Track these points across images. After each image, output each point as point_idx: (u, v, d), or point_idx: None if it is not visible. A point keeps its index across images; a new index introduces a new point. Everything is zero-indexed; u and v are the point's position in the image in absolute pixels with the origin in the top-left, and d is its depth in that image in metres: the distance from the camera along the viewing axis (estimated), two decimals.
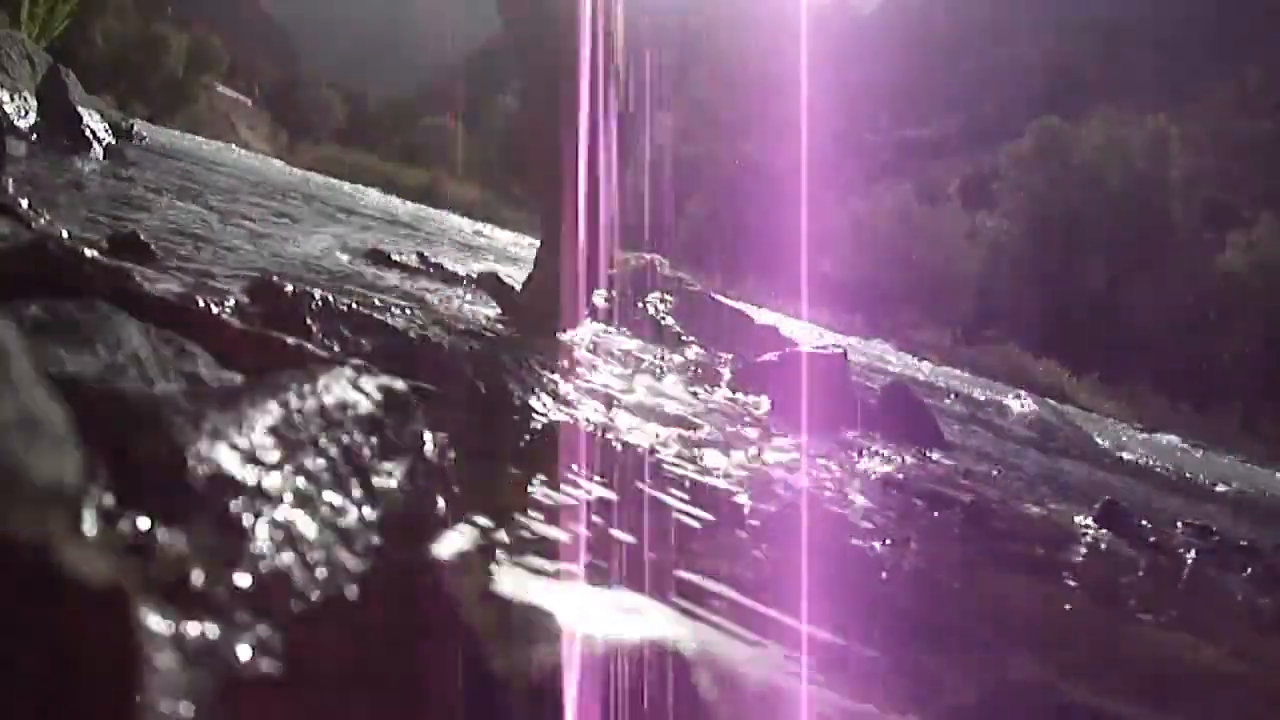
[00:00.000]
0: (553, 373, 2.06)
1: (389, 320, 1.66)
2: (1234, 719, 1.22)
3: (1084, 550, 2.06)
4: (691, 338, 4.27)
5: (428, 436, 0.83)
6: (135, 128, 7.46)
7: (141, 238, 2.30)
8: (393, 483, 0.74)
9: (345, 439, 0.72)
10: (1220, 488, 6.92)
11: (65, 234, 1.95)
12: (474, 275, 4.53)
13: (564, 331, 2.43)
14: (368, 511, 0.68)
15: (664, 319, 4.46)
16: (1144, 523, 2.51)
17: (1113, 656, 1.30)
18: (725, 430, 2.12)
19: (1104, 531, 2.32)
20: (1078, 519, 2.44)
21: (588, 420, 1.74)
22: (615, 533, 1.08)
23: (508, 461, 1.24)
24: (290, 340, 0.95)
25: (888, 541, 1.49)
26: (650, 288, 4.90)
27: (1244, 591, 2.19)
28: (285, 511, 0.60)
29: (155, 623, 0.46)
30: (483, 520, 0.95)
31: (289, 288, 1.56)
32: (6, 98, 4.67)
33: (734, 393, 2.90)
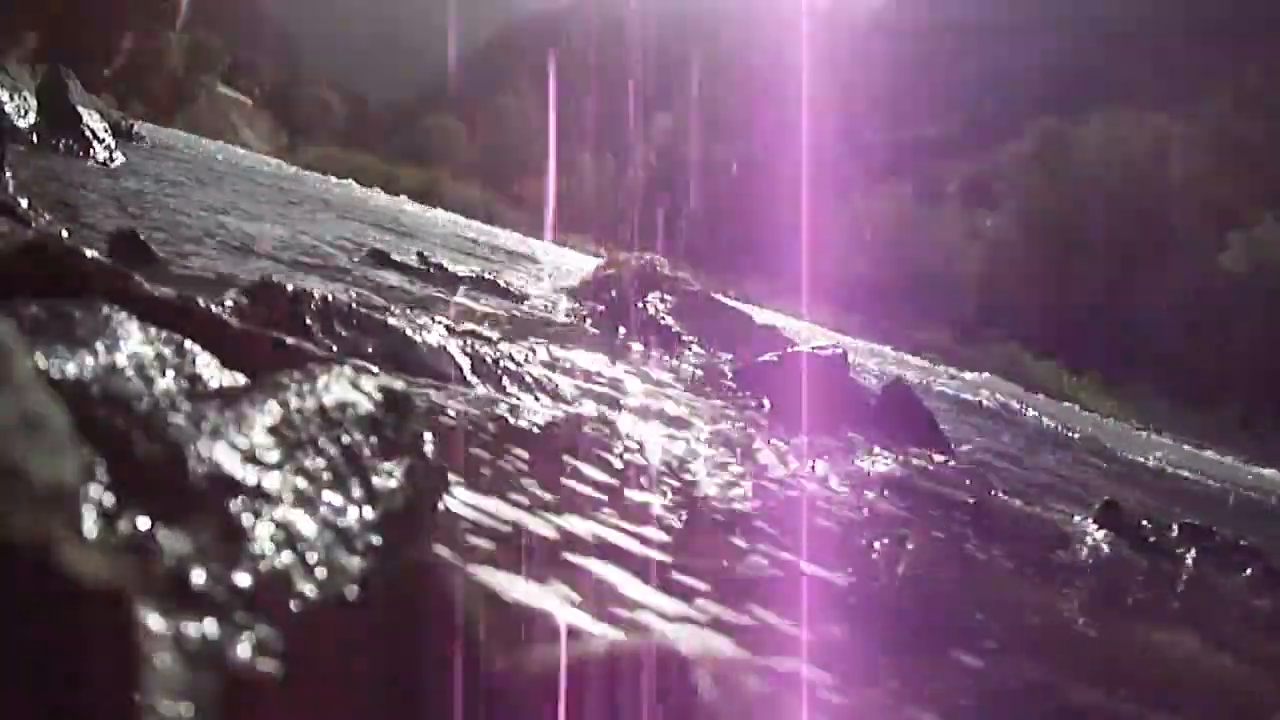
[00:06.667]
0: (553, 371, 2.06)
1: (389, 320, 1.66)
2: (1234, 718, 1.22)
3: (1084, 551, 2.06)
4: (691, 338, 4.27)
5: (428, 436, 0.83)
6: (135, 127, 7.46)
7: (141, 237, 2.30)
8: (393, 483, 0.74)
9: (345, 439, 0.72)
10: (1220, 488, 6.92)
11: (65, 234, 1.95)
12: (474, 275, 4.53)
13: None
14: (368, 511, 0.69)
15: (664, 319, 4.46)
16: (1144, 523, 2.51)
17: (1112, 657, 1.30)
18: (725, 430, 2.12)
19: (1104, 532, 2.32)
20: (1078, 519, 2.44)
21: (588, 419, 1.74)
22: (616, 533, 1.08)
23: (508, 461, 1.24)
24: (290, 340, 0.95)
25: (887, 541, 1.49)
26: (650, 288, 4.90)
27: (1244, 591, 2.19)
28: (285, 511, 0.60)
29: (155, 623, 0.46)
30: (483, 519, 0.95)
31: (289, 288, 1.56)
32: (6, 98, 4.67)
33: (734, 393, 2.90)
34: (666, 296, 4.87)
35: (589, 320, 4.12)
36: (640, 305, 4.60)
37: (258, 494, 0.59)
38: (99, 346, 0.66)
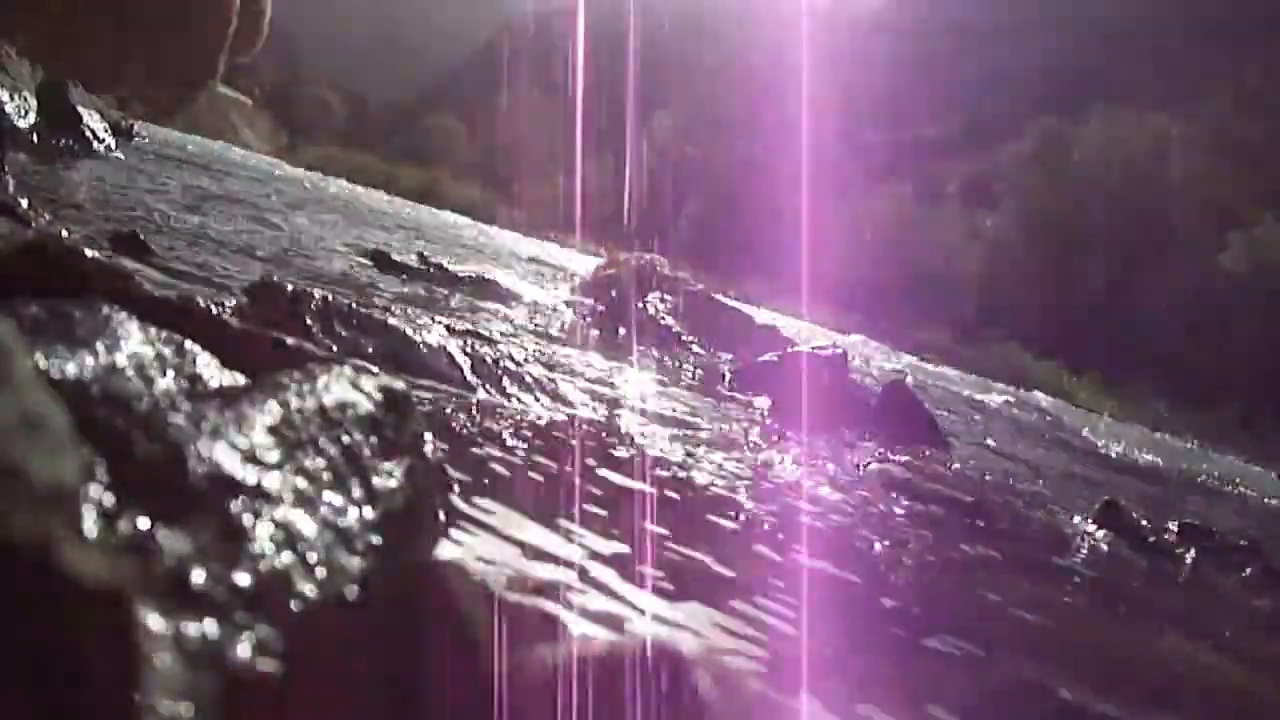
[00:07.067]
0: (553, 372, 2.06)
1: (389, 320, 1.66)
2: (1234, 719, 1.22)
3: (1084, 551, 2.06)
4: (691, 338, 4.26)
5: (428, 436, 0.83)
6: (135, 127, 7.46)
7: (141, 237, 2.30)
8: (393, 483, 0.74)
9: (345, 439, 0.72)
10: (1220, 488, 6.92)
11: (65, 234, 1.95)
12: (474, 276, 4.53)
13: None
14: (368, 511, 0.69)
15: (664, 319, 4.46)
16: (1144, 523, 2.51)
17: (1112, 658, 1.30)
18: (725, 431, 2.12)
19: (1103, 532, 2.32)
20: (1077, 519, 2.44)
21: (588, 420, 1.74)
22: (615, 534, 1.08)
23: (507, 461, 1.24)
24: (290, 340, 0.95)
25: (887, 542, 1.49)
26: (650, 288, 4.90)
27: (1244, 591, 2.19)
28: (285, 511, 0.60)
29: (155, 623, 0.46)
30: (482, 519, 0.95)
31: (289, 288, 1.56)
32: (6, 97, 4.67)
33: (734, 393, 2.89)
34: (666, 296, 4.87)
35: (589, 320, 4.12)
36: (640, 305, 4.60)
37: (258, 494, 0.59)
38: (99, 346, 0.66)
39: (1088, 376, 24.36)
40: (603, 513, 1.14)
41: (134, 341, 0.70)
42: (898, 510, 1.81)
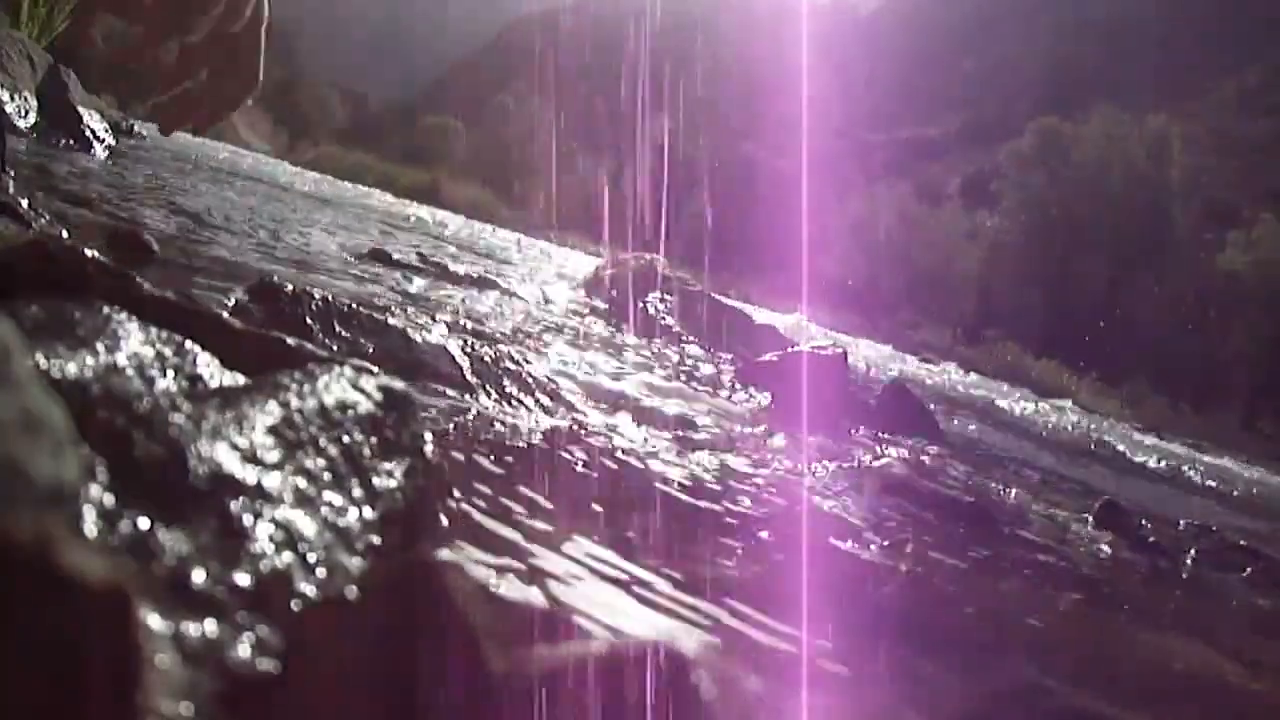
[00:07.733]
0: (552, 372, 2.06)
1: (389, 320, 1.66)
2: (1232, 719, 1.22)
3: (1084, 550, 2.06)
4: (691, 338, 4.26)
5: (428, 436, 0.83)
6: (136, 127, 7.46)
7: (142, 237, 2.30)
8: (393, 483, 0.74)
9: (345, 439, 0.72)
10: (1220, 487, 6.92)
11: (65, 234, 1.95)
12: (475, 275, 4.53)
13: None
14: (368, 511, 0.68)
15: (664, 319, 4.46)
16: (1143, 523, 2.51)
17: (1112, 660, 1.30)
18: (725, 430, 2.12)
19: (1104, 532, 2.32)
20: (1078, 519, 2.44)
21: (588, 419, 1.74)
22: (615, 534, 1.08)
23: (508, 461, 1.24)
24: (290, 340, 0.95)
25: (886, 543, 1.49)
26: (650, 288, 4.91)
27: (1244, 591, 2.19)
28: (285, 511, 0.60)
29: (155, 623, 0.46)
30: (482, 520, 0.95)
31: (289, 288, 1.55)
32: (6, 97, 4.67)
33: (733, 393, 2.89)
34: (666, 296, 4.87)
35: (589, 320, 4.12)
36: (640, 305, 4.60)
37: (258, 494, 0.59)
38: (99, 346, 0.66)
39: (1087, 377, 24.41)
40: (603, 512, 1.14)
41: (134, 341, 0.70)
42: (897, 510, 1.81)
